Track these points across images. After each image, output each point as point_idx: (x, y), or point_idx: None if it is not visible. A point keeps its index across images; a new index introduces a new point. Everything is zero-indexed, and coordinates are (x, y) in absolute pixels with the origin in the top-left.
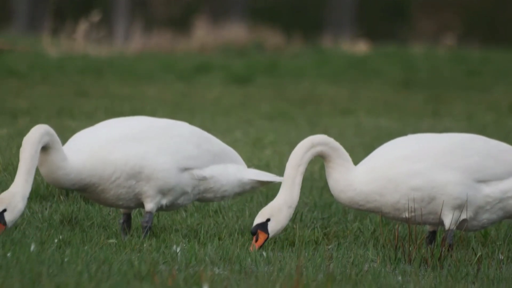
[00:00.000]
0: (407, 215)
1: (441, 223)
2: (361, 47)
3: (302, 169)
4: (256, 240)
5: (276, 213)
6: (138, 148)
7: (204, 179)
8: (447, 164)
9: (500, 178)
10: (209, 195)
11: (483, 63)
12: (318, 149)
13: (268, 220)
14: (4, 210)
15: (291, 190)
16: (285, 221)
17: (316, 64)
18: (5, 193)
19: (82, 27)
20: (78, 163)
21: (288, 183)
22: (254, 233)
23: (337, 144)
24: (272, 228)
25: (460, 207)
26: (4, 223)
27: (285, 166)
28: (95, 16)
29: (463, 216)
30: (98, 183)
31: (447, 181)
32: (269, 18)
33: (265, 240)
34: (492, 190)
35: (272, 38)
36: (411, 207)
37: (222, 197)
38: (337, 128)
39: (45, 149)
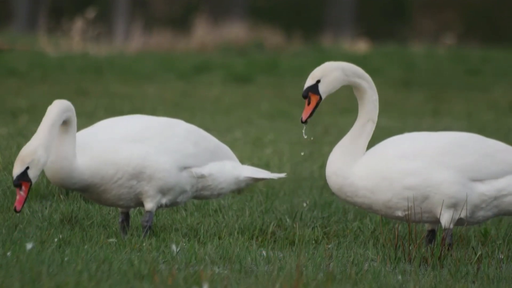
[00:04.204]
0: (399, 214)
1: (437, 221)
2: (361, 46)
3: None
4: (309, 104)
5: (328, 73)
6: (139, 148)
7: (202, 177)
8: (443, 163)
9: (495, 177)
10: (206, 193)
11: (483, 62)
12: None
13: (318, 81)
14: (27, 168)
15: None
16: (337, 83)
17: (316, 63)
18: (26, 149)
19: (78, 24)
20: (81, 164)
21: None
22: (305, 96)
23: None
24: (324, 89)
25: (455, 206)
26: (29, 180)
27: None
28: (90, 13)
29: (460, 215)
30: (100, 184)
31: (443, 180)
32: (269, 17)
33: (317, 104)
34: (487, 188)
35: (272, 37)
36: (404, 205)
37: (219, 194)
38: (337, 127)
39: (60, 132)
